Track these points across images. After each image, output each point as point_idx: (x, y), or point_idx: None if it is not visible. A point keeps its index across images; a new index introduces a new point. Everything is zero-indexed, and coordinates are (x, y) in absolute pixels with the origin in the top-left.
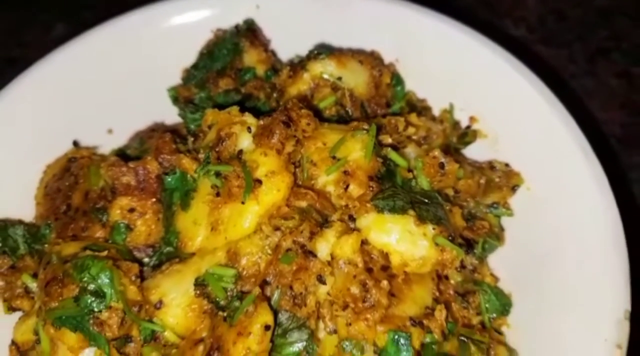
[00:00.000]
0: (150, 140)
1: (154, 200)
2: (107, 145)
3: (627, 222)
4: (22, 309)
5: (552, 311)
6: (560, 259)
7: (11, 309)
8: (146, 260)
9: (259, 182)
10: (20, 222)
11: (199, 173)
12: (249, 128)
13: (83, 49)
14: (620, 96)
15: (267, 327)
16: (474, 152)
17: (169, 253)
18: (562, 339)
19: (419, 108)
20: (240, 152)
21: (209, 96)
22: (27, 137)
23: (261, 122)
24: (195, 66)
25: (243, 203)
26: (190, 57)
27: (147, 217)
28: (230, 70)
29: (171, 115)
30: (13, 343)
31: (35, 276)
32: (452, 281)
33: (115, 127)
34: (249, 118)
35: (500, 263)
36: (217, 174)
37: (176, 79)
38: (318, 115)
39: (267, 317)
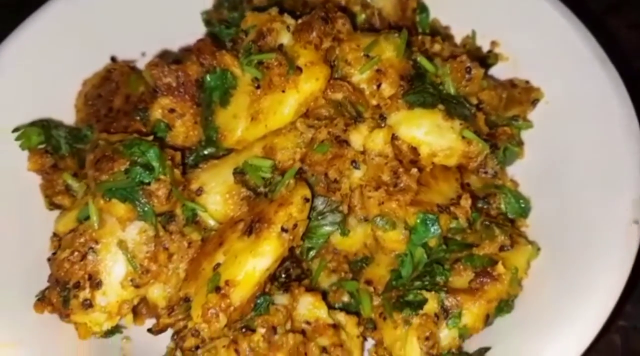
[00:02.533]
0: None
1: (191, 103)
2: (141, 65)
3: None
4: (62, 205)
5: (570, 209)
6: (578, 159)
7: (52, 205)
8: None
9: (300, 69)
10: (62, 124)
11: (241, 65)
12: (287, 27)
13: None
14: None
15: (306, 199)
16: (495, 74)
17: (206, 155)
18: (580, 230)
19: (443, 34)
20: (281, 45)
21: (243, 16)
22: (66, 55)
23: (299, 21)
24: None
25: (283, 91)
26: None
27: (186, 119)
28: None
29: None
30: (54, 234)
31: (75, 175)
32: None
33: (148, 50)
34: (288, 19)
35: (520, 172)
36: (259, 64)
37: (207, 5)
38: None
39: (306, 190)
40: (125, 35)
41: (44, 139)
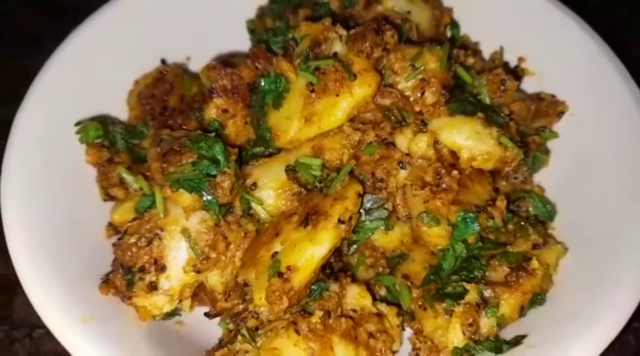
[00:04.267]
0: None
1: (242, 105)
2: (190, 68)
3: None
4: (116, 197)
5: (594, 214)
6: (601, 168)
7: (107, 197)
8: None
9: (354, 76)
10: (118, 121)
11: (299, 69)
12: (340, 37)
13: None
14: None
15: (359, 194)
16: (522, 88)
17: (254, 153)
18: (603, 233)
19: (472, 49)
20: (335, 54)
21: (287, 25)
22: (117, 56)
23: (352, 31)
24: (274, 0)
25: (337, 96)
26: None
27: (237, 119)
28: (306, 4)
29: (244, 47)
30: (109, 224)
31: (129, 169)
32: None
33: (193, 55)
34: (340, 29)
35: (545, 179)
36: (316, 69)
37: (249, 15)
38: None
39: (359, 186)
40: (172, 40)
41: (102, 134)
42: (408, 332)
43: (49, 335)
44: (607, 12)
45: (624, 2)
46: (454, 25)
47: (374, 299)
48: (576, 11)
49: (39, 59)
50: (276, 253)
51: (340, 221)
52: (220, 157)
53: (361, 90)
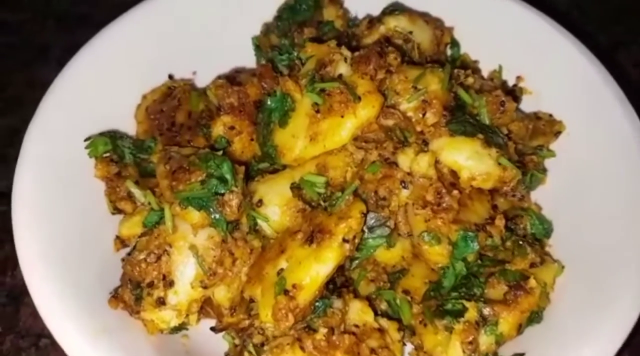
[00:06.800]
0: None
1: (248, 122)
2: (196, 84)
3: None
4: (124, 211)
5: (590, 232)
6: (597, 187)
7: (116, 210)
8: None
9: (359, 98)
10: (127, 135)
11: (306, 90)
12: (345, 59)
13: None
14: None
15: (363, 214)
16: (520, 107)
17: (259, 169)
18: (599, 250)
19: (472, 68)
20: (340, 75)
21: (293, 43)
22: (125, 71)
23: (356, 54)
24: (279, 17)
25: (342, 116)
26: (266, 12)
27: (243, 136)
28: (311, 23)
29: (249, 62)
30: (117, 237)
31: (137, 183)
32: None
33: (200, 70)
34: (345, 51)
35: (542, 197)
36: (322, 91)
37: (254, 32)
38: None
39: (363, 206)
40: (179, 55)
41: (111, 148)
42: (409, 347)
43: (54, 344)
44: (602, 31)
45: (619, 22)
46: (454, 44)
47: (376, 314)
48: (572, 31)
49: (47, 68)
50: (282, 270)
51: (344, 240)
52: (228, 176)
53: (365, 111)
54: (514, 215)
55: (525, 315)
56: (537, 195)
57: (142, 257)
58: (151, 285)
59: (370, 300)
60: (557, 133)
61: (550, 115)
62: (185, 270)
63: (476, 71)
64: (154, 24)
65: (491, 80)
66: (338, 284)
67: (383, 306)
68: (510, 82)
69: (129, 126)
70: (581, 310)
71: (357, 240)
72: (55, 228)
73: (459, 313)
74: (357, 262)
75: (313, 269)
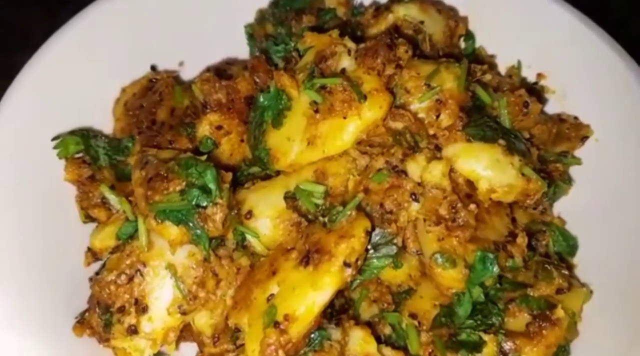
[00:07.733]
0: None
1: (238, 121)
2: (181, 76)
3: None
4: (98, 219)
5: (619, 250)
6: (628, 200)
7: (88, 218)
8: None
9: (364, 97)
10: (101, 134)
11: (303, 86)
12: (349, 51)
13: None
14: None
15: (367, 232)
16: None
17: (250, 174)
18: (631, 271)
19: (487, 63)
20: (343, 70)
21: (290, 32)
22: (102, 61)
23: (361, 46)
24: (275, 4)
25: (345, 118)
26: None
27: (232, 136)
28: (310, 10)
29: (241, 53)
30: (89, 249)
31: (112, 188)
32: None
33: (187, 60)
34: (349, 42)
35: (565, 210)
36: (322, 87)
37: (248, 18)
38: None
39: (367, 223)
40: (164, 43)
41: (83, 149)
42: None
43: None
44: (634, 21)
45: None
46: (469, 36)
47: (379, 341)
48: (599, 22)
49: (31, 55)
50: (272, 295)
51: (345, 264)
52: (212, 186)
53: (371, 113)
54: (535, 230)
55: (551, 350)
56: (560, 208)
57: (111, 277)
58: (122, 310)
59: (372, 325)
60: (584, 139)
61: (576, 118)
62: (161, 293)
63: (492, 67)
64: (137, 8)
65: (509, 77)
66: (336, 307)
67: (387, 330)
68: (530, 79)
69: (106, 123)
70: (613, 343)
71: (360, 263)
72: (17, 240)
73: (475, 347)
74: (357, 281)
75: (309, 297)
